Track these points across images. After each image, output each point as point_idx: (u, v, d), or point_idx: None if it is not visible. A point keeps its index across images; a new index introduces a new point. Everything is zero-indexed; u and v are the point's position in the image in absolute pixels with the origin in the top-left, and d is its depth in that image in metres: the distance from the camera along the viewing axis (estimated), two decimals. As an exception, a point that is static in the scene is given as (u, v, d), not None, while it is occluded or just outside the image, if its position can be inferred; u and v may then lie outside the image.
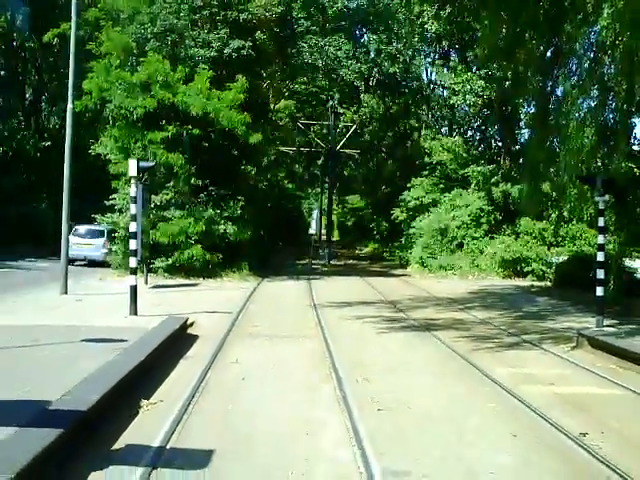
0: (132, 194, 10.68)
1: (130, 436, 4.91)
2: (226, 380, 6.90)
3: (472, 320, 12.31)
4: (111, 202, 19.00)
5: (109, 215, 19.06)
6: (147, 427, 5.12)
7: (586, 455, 4.85)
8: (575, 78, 13.40)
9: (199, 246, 18.52)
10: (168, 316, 10.10)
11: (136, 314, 10.56)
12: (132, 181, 10.66)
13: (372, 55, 31.40)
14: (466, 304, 14.84)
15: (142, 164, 11.07)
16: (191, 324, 10.07)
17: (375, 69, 30.02)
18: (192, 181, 19.09)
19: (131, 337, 7.88)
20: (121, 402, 5.58)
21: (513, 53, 14.23)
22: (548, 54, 15.14)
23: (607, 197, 11.22)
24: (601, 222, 11.24)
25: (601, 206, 11.15)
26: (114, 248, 19.52)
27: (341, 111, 35.51)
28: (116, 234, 19.10)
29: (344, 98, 33.76)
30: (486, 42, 15.30)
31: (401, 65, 30.56)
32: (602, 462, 4.65)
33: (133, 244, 10.73)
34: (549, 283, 20.59)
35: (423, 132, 35.70)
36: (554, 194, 16.89)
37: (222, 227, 19.51)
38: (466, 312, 13.47)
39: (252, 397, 6.28)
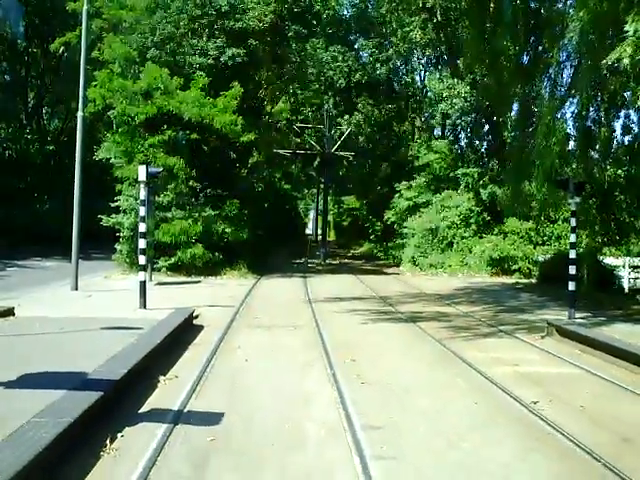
0: (142, 197, 11.61)
1: (153, 402, 5.89)
2: (231, 361, 7.88)
3: (455, 313, 13.28)
4: (116, 204, 19.93)
5: (114, 216, 19.98)
6: (167, 396, 6.10)
7: (532, 416, 5.85)
8: (550, 86, 14.45)
9: (200, 245, 19.51)
10: (175, 309, 11.04)
11: (145, 308, 11.50)
12: (141, 185, 11.59)
13: (365, 60, 32.51)
14: (452, 299, 15.81)
15: (151, 170, 11.99)
16: (196, 316, 11.02)
17: (366, 73, 31.15)
18: (191, 183, 20.08)
19: (145, 326, 8.85)
20: (143, 377, 6.55)
21: (496, 62, 15.26)
22: (530, 63, 16.20)
23: (578, 199, 12.22)
24: (573, 222, 12.26)
25: (573, 207, 12.15)
26: (118, 248, 20.44)
27: (336, 114, 36.58)
28: (120, 234, 20.05)
29: (339, 102, 34.84)
30: (470, 51, 16.33)
31: (392, 70, 31.68)
32: (543, 420, 5.66)
33: (142, 243, 11.67)
34: (534, 280, 21.57)
35: (416, 135, 36.81)
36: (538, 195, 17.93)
37: (220, 227, 20.51)
38: (451, 306, 14.44)
39: (254, 374, 7.26)
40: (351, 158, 38.86)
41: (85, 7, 14.84)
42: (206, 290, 16.22)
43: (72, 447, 4.39)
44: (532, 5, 16.06)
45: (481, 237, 24.99)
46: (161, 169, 14.55)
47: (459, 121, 29.93)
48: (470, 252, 24.90)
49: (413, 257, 26.10)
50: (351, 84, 31.70)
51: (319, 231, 51.33)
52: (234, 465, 4.53)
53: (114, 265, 20.18)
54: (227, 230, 20.46)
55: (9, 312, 10.17)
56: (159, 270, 19.06)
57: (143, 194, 11.65)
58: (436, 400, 6.39)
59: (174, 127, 19.65)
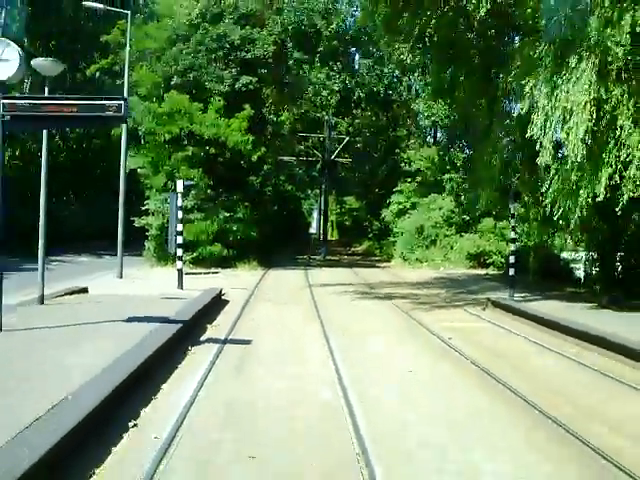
0: (179, 204, 15.14)
1: (208, 335, 9.47)
2: (252, 318, 11.43)
3: (424, 294, 16.76)
4: (146, 207, 23.53)
5: (144, 218, 23.59)
6: (215, 333, 9.66)
7: (444, 345, 9.38)
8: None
9: (217, 243, 23.11)
10: (206, 290, 14.55)
11: (182, 288, 15.04)
12: (179, 195, 15.12)
13: (363, 72, 36.02)
14: (426, 285, 19.31)
15: (186, 182, 15.54)
16: (223, 294, 14.55)
17: (364, 88, 34.78)
18: (208, 190, 23.65)
19: (188, 298, 12.39)
20: (196, 325, 10.09)
21: (453, 94, 18.71)
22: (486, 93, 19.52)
23: (516, 204, 15.71)
24: (512, 222, 15.79)
25: (512, 210, 15.65)
26: (147, 245, 24.07)
27: (336, 122, 40.18)
28: (149, 233, 23.70)
29: (338, 110, 38.34)
30: (433, 83, 19.79)
31: (386, 84, 35.32)
32: (450, 347, 9.19)
33: (180, 239, 15.25)
34: (502, 271, 25.00)
35: (411, 140, 40.34)
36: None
37: (234, 227, 24.08)
38: (423, 290, 17.93)
39: (268, 328, 10.79)
40: (349, 164, 42.28)
41: (127, 49, 18.40)
42: (224, 279, 19.71)
43: (171, 349, 7.92)
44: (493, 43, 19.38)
45: (461, 235, 28.48)
46: (193, 182, 18.06)
47: (443, 133, 33.40)
48: (451, 248, 28.41)
49: (402, 253, 29.66)
50: (349, 96, 35.16)
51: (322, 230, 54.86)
52: (259, 361, 8.04)
53: (143, 260, 23.74)
54: (239, 230, 24.03)
55: (84, 290, 13.74)
56: (183, 263, 22.57)
57: (180, 201, 15.20)
58: (388, 338, 9.94)
59: (194, 143, 23.21)
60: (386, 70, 34.70)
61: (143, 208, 23.61)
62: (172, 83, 23.87)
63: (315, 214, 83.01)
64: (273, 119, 33.26)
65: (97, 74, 29.63)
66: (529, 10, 13.47)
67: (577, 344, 9.39)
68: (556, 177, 12.27)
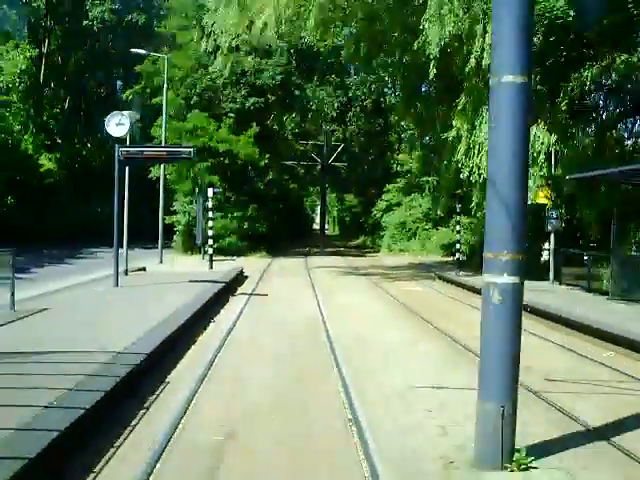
0: (209, 206, 20.41)
1: (239, 292, 14.77)
2: (266, 285, 16.72)
3: (394, 273, 21.99)
4: (174, 208, 28.85)
5: (172, 216, 28.88)
6: (243, 290, 14.96)
7: (389, 297, 14.65)
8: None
9: (233, 236, 28.43)
10: (230, 269, 19.81)
11: (212, 268, 20.31)
12: (210, 199, 20.38)
13: (356, 88, 41.14)
14: (399, 268, 24.52)
15: (215, 189, 20.79)
16: (242, 272, 19.82)
17: (356, 100, 39.99)
18: (226, 194, 28.91)
19: (220, 273, 17.66)
20: (230, 287, 15.35)
21: (418, 119, 23.88)
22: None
23: (460, 205, 20.94)
24: (459, 218, 21.03)
25: (458, 210, 20.90)
26: (175, 238, 29.39)
27: (332, 130, 45.32)
28: (177, 229, 29.03)
29: (333, 118, 43.43)
30: (403, 103, 24.97)
31: (374, 98, 40.54)
32: (392, 297, 14.46)
33: (210, 232, 20.53)
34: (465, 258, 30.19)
35: (402, 146, 45.39)
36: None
37: (246, 223, 29.37)
38: (395, 271, 23.13)
39: (278, 290, 16.06)
40: (345, 168, 47.52)
41: (165, 87, 23.64)
42: (241, 263, 24.95)
43: (219, 296, 13.18)
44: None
45: (437, 229, 33.68)
46: (220, 189, 23.32)
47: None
48: (429, 240, 33.64)
49: (388, 244, 34.93)
50: (345, 107, 40.29)
51: (326, 225, 60.24)
52: (273, 301, 13.31)
53: (172, 251, 29.01)
54: (250, 226, 29.35)
55: (143, 269, 19.02)
56: (206, 252, 27.86)
57: (210, 204, 20.46)
58: (353, 292, 15.22)
59: (213, 155, 28.48)
60: (375, 85, 39.79)
61: (172, 209, 28.89)
62: (191, 102, 29.17)
63: (318, 211, 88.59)
64: (277, 128, 38.49)
65: (128, 95, 34.90)
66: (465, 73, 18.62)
67: (475, 295, 14.69)
68: (477, 187, 17.56)
